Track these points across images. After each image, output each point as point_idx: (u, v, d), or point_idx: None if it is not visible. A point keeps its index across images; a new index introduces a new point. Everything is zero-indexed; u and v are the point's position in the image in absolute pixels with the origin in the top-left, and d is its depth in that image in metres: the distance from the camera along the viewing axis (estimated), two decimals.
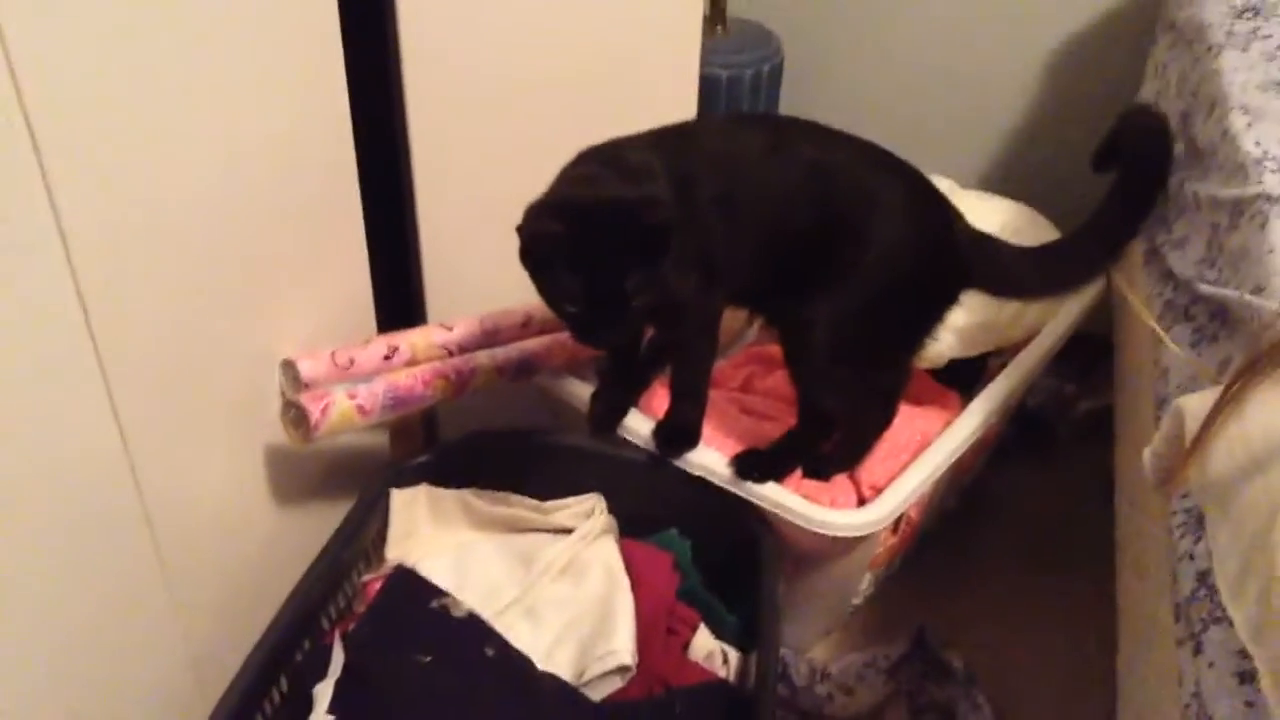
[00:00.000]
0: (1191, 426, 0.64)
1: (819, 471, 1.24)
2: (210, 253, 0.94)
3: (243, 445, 1.07)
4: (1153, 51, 1.46)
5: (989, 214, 1.57)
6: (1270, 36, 1.11)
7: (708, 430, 1.21)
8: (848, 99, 1.80)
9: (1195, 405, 0.65)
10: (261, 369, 1.07)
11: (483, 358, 1.20)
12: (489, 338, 1.24)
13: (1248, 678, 0.69)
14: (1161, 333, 0.84)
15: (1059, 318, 1.42)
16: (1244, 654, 0.69)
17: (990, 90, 1.73)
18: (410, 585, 1.09)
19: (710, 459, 1.18)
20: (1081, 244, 1.16)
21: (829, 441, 1.26)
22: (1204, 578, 0.78)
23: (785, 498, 1.15)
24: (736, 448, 1.21)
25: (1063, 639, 1.34)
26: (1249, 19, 1.16)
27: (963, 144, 1.77)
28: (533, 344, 1.26)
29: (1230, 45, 1.12)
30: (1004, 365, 1.39)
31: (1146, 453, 0.70)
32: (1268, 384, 0.60)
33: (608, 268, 0.95)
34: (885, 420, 1.26)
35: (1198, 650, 0.74)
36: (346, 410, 1.06)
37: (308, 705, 0.96)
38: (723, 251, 1.08)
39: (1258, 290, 0.81)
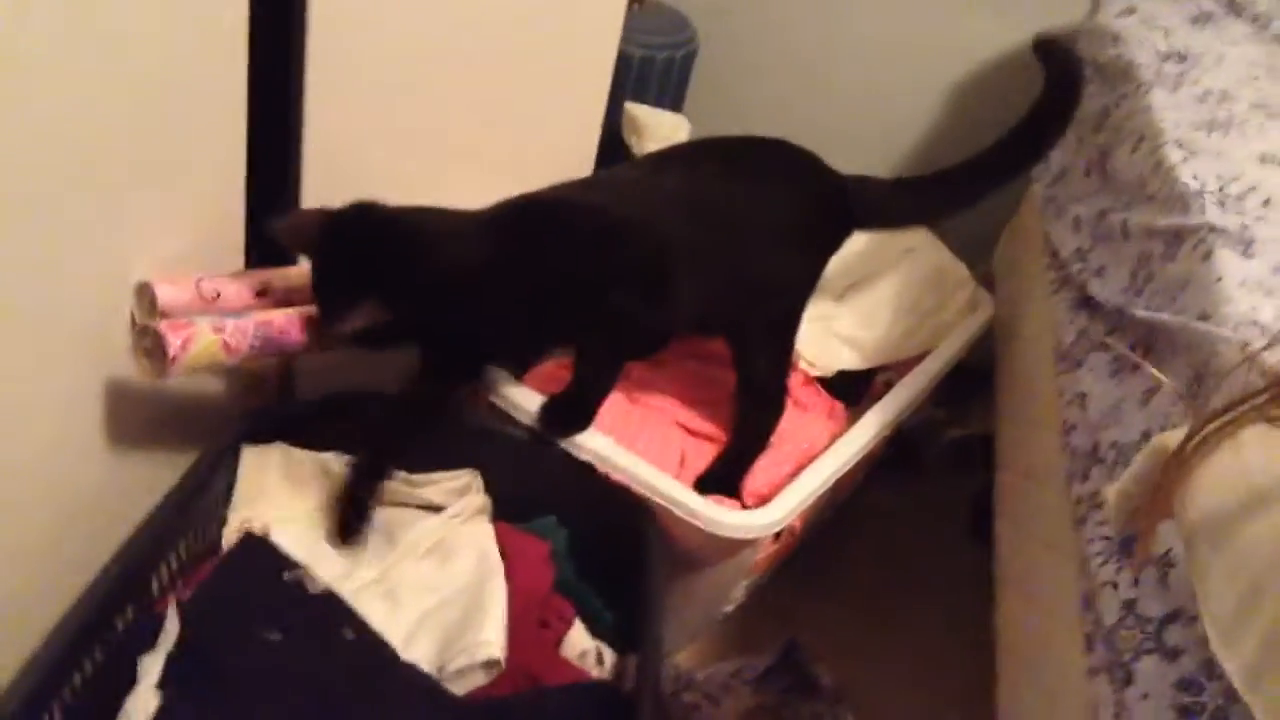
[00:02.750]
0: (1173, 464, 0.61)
1: (715, 485, 1.19)
2: (62, 150, 0.80)
3: (82, 375, 0.93)
4: None
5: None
6: (1198, 82, 1.13)
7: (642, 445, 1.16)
8: (756, 94, 1.76)
9: (1175, 442, 0.62)
10: (113, 291, 0.93)
11: None
12: None
13: (1186, 712, 0.66)
14: (1154, 372, 0.82)
15: (951, 339, 1.42)
16: (1184, 688, 0.67)
17: (895, 105, 1.73)
18: (259, 554, 0.97)
19: (600, 444, 1.11)
20: (963, 174, 1.23)
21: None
22: (1131, 607, 0.76)
23: (678, 491, 1.08)
24: (672, 465, 1.18)
25: (932, 658, 1.34)
26: (1176, 63, 1.17)
27: (865, 152, 1.75)
28: None
29: (1160, 85, 1.13)
30: (889, 384, 1.38)
31: (1112, 491, 0.68)
32: (1257, 419, 0.58)
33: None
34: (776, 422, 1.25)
35: (1128, 681, 0.72)
36: (210, 345, 0.93)
37: (130, 678, 0.83)
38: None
39: (1204, 318, 0.80)
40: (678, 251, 1.09)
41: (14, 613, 0.86)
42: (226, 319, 0.96)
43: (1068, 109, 1.17)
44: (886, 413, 1.29)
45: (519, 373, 1.19)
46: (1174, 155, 0.99)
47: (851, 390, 1.41)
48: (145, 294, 0.94)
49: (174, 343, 0.89)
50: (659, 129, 1.57)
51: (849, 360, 1.40)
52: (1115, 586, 0.79)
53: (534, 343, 1.16)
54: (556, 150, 1.36)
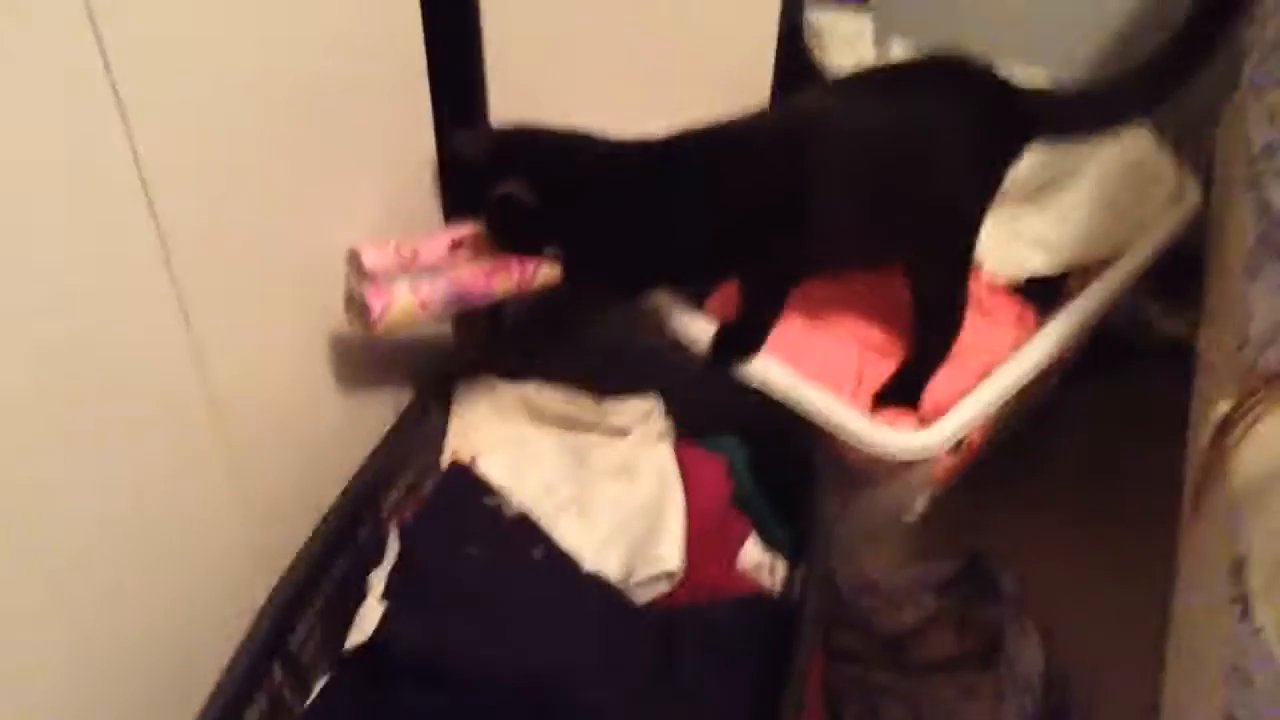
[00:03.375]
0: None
1: (894, 397, 1.24)
2: (273, 132, 0.93)
3: (306, 331, 1.08)
4: None
5: None
6: None
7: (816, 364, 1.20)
8: None
9: None
10: (325, 254, 1.07)
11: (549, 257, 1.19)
12: None
13: None
14: None
15: (1151, 234, 1.35)
16: None
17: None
18: (465, 481, 1.11)
19: (765, 369, 1.17)
20: (1145, 75, 1.18)
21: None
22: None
23: (843, 415, 1.13)
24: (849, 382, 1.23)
25: (1119, 571, 1.32)
26: None
27: (1058, 37, 1.64)
28: None
29: None
30: (1082, 286, 1.34)
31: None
32: None
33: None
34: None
35: (1244, 615, 0.72)
36: (408, 306, 1.06)
37: (363, 592, 1.00)
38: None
39: None
40: (835, 178, 1.12)
41: (264, 539, 1.04)
42: (422, 279, 1.08)
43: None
44: (1074, 319, 1.26)
45: (693, 297, 1.26)
46: None
47: (1044, 293, 1.39)
48: (354, 260, 1.08)
49: (375, 307, 1.03)
50: (838, 32, 1.56)
51: (1037, 265, 1.37)
52: None
53: (697, 270, 1.22)
54: (731, 65, 1.39)
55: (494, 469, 1.15)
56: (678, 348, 1.24)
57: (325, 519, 1.03)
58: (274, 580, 0.98)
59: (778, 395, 1.16)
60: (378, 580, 1.00)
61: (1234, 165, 1.29)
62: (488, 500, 1.08)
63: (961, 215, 1.21)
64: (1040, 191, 1.41)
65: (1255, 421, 0.58)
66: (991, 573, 1.25)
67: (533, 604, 0.99)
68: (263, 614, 0.95)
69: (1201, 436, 1.11)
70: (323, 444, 1.11)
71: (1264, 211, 1.00)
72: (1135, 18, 1.61)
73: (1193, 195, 1.39)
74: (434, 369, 1.23)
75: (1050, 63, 1.42)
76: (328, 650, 1.02)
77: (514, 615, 0.98)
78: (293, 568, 0.99)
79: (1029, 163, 1.31)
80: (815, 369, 1.20)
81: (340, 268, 1.09)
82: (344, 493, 1.07)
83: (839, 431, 1.12)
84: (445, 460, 1.18)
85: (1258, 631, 0.67)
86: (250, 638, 0.94)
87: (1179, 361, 1.55)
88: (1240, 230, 1.15)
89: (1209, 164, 1.44)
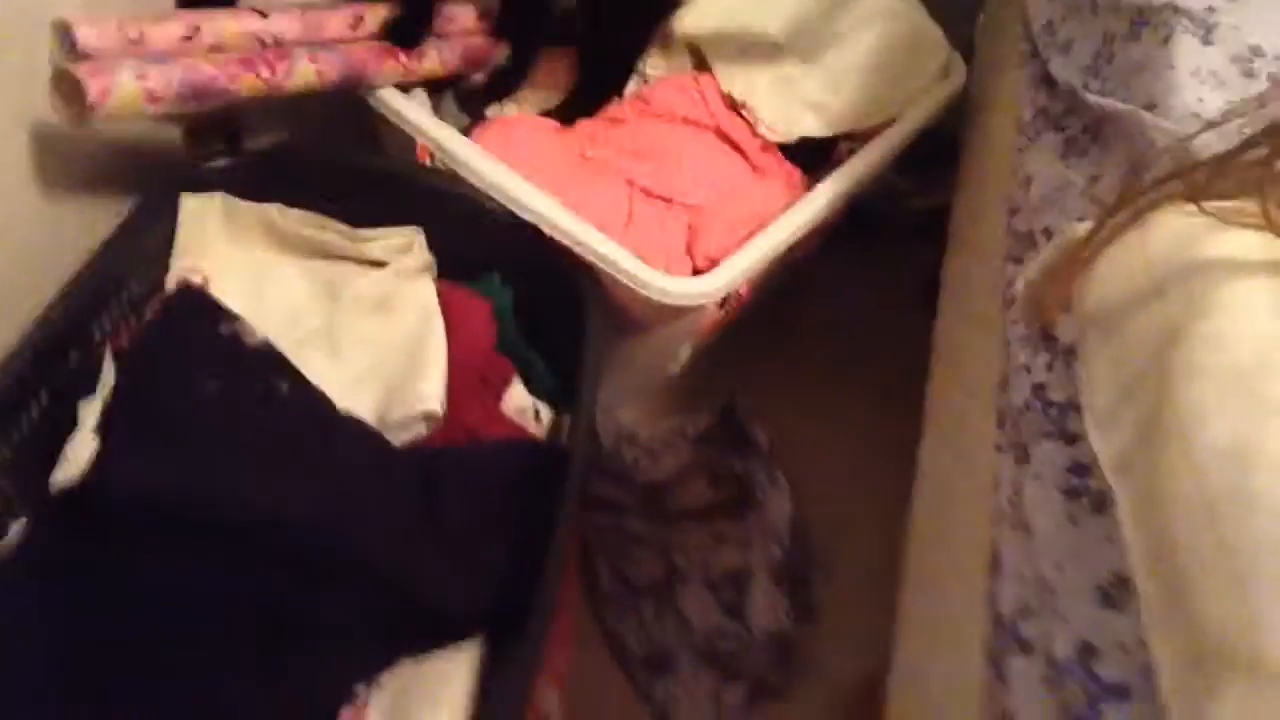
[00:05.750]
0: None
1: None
2: None
3: (9, 120, 0.90)
4: None
5: None
6: None
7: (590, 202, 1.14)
8: None
9: (1085, 232, 0.61)
10: (34, 29, 0.89)
11: (303, 57, 1.05)
12: (311, 33, 1.08)
13: (1073, 494, 0.69)
14: None
15: (917, 107, 1.37)
16: (1074, 472, 0.70)
17: None
18: (197, 305, 0.97)
19: (542, 203, 1.10)
20: None
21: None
22: (1039, 391, 0.78)
23: (620, 256, 1.08)
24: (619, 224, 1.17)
25: (865, 424, 1.38)
26: None
27: None
28: (361, 49, 1.11)
29: None
30: (851, 152, 1.35)
31: (1020, 279, 0.67)
32: (1168, 206, 0.57)
33: None
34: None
35: (1024, 460, 0.75)
36: (132, 92, 0.90)
37: (72, 423, 0.86)
38: None
39: (1150, 106, 0.78)
40: None
41: None
42: (150, 65, 0.92)
43: None
44: (844, 181, 1.27)
45: None
46: None
47: (812, 158, 1.39)
48: (64, 33, 0.90)
49: (92, 88, 0.86)
50: None
51: (811, 126, 1.36)
52: (1028, 370, 0.81)
53: None
54: None
55: (228, 296, 1.01)
56: (442, 181, 1.14)
57: (28, 335, 0.88)
58: None
59: (552, 230, 1.09)
60: (89, 412, 0.86)
61: (1001, 46, 1.32)
62: (224, 327, 0.95)
63: None
64: (813, 51, 1.39)
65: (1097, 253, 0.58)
66: (745, 425, 1.27)
67: (279, 443, 0.89)
68: None
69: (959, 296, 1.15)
70: (28, 254, 0.94)
71: (1043, 83, 1.02)
72: None
73: (960, 72, 1.42)
74: (159, 178, 1.07)
75: None
76: (26, 490, 0.88)
77: (258, 455, 0.87)
78: None
79: (806, 18, 1.29)
80: (586, 208, 1.14)
81: (45, 44, 0.91)
82: (46, 311, 0.91)
83: (616, 272, 1.07)
84: (170, 282, 1.03)
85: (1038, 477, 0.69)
86: None
87: (925, 233, 1.63)
88: (1008, 106, 1.18)
89: (968, 45, 1.48)
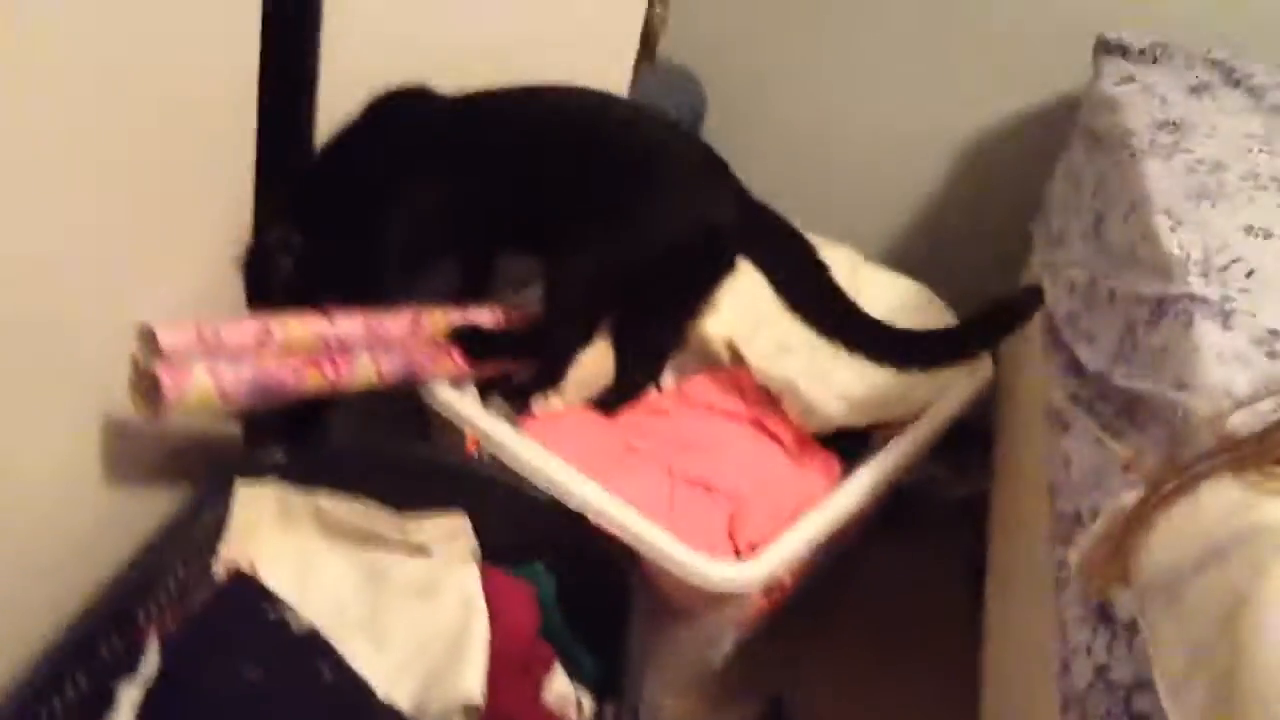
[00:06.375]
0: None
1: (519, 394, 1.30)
2: (74, 195, 0.83)
3: (84, 413, 0.95)
4: (1064, 156, 1.49)
5: (886, 288, 1.58)
6: (1191, 151, 1.14)
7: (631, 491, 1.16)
8: (766, 155, 1.78)
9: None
10: (117, 332, 0.95)
11: (364, 358, 1.11)
12: (372, 336, 1.15)
13: None
14: (1110, 443, 0.83)
15: (948, 397, 1.42)
16: None
17: (904, 168, 1.75)
18: (245, 591, 0.98)
19: (588, 490, 1.12)
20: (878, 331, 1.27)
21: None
22: (1102, 672, 0.76)
23: (664, 542, 1.09)
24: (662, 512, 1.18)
25: (916, 709, 1.32)
26: (1170, 132, 1.18)
27: (871, 216, 1.77)
28: (418, 349, 1.18)
29: (1153, 154, 1.14)
30: (887, 440, 1.38)
31: (1073, 553, 0.68)
32: (1218, 477, 0.59)
33: None
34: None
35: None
36: (206, 391, 0.95)
37: (110, 705, 0.85)
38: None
39: (1180, 387, 0.81)
40: None
41: (9, 632, 0.88)
42: (223, 365, 0.98)
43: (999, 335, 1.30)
44: (882, 468, 1.29)
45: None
46: (1162, 224, 1.00)
47: (850, 445, 1.42)
48: (147, 337, 0.97)
49: (170, 386, 0.91)
50: None
51: (845, 416, 1.40)
52: (1089, 651, 0.79)
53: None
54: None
55: (276, 581, 1.02)
56: (486, 466, 1.17)
57: (76, 619, 0.89)
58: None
59: (597, 519, 1.10)
60: (129, 696, 0.85)
61: (1026, 339, 1.38)
62: (272, 614, 0.95)
63: None
64: None
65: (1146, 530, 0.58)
66: (793, 717, 1.22)
67: None
68: None
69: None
70: (87, 537, 0.97)
71: (1071, 370, 1.06)
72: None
73: (986, 364, 1.47)
74: (216, 467, 1.11)
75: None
76: None
77: None
78: (30, 670, 0.84)
79: None
80: (629, 495, 1.16)
81: (127, 347, 0.97)
82: (99, 591, 0.92)
83: (659, 557, 1.07)
84: (219, 567, 1.04)
85: None
86: None
87: (962, 518, 1.63)
88: (1036, 393, 1.22)
89: None
